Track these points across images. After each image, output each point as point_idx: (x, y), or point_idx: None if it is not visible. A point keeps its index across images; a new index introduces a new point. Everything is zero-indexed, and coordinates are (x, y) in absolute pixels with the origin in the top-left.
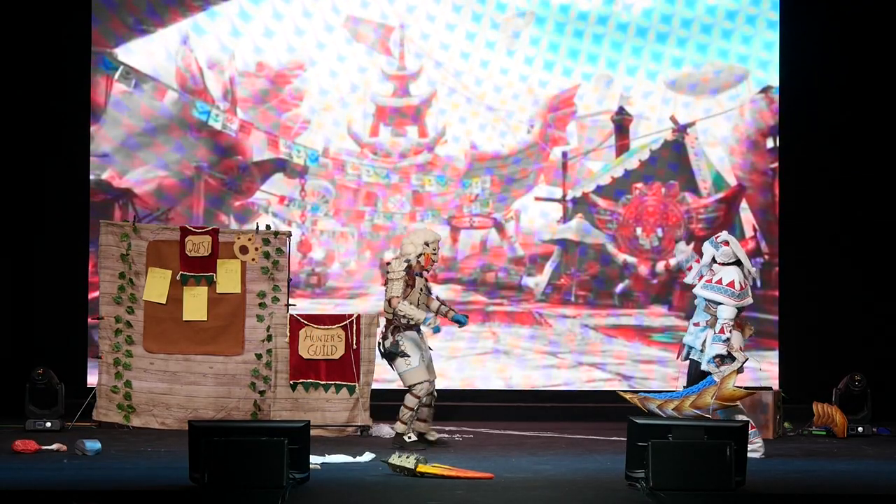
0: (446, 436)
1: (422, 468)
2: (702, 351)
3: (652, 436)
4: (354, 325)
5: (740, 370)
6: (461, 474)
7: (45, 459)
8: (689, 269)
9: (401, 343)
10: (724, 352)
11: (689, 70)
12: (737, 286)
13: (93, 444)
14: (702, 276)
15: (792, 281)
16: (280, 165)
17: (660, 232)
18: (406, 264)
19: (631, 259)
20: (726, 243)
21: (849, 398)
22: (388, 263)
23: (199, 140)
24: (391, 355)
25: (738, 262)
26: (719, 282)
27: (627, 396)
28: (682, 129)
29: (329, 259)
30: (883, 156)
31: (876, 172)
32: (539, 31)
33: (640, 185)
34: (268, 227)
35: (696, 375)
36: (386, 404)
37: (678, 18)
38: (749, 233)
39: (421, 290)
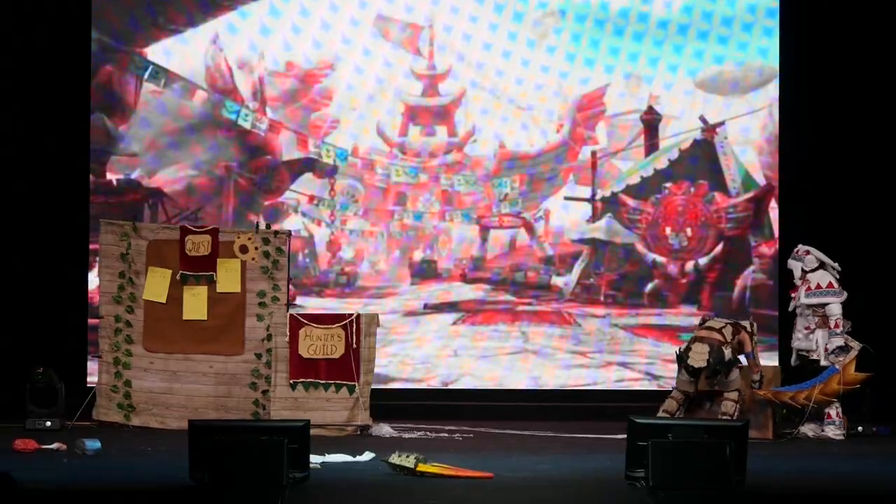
0: (445, 435)
1: (422, 468)
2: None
3: (652, 435)
4: (354, 325)
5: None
6: (461, 474)
7: (45, 459)
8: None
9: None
10: (842, 343)
11: (719, 69)
12: (835, 285)
13: (93, 444)
14: (797, 288)
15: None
16: (309, 165)
17: (689, 231)
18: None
19: (660, 258)
20: (807, 252)
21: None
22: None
23: (229, 140)
24: (730, 364)
25: (822, 265)
26: (818, 286)
27: (762, 393)
28: (711, 129)
29: (358, 258)
30: (884, 153)
31: (877, 170)
32: (569, 29)
33: (668, 184)
34: (267, 226)
35: (812, 371)
36: (385, 404)
37: (707, 17)
38: (777, 232)
39: None
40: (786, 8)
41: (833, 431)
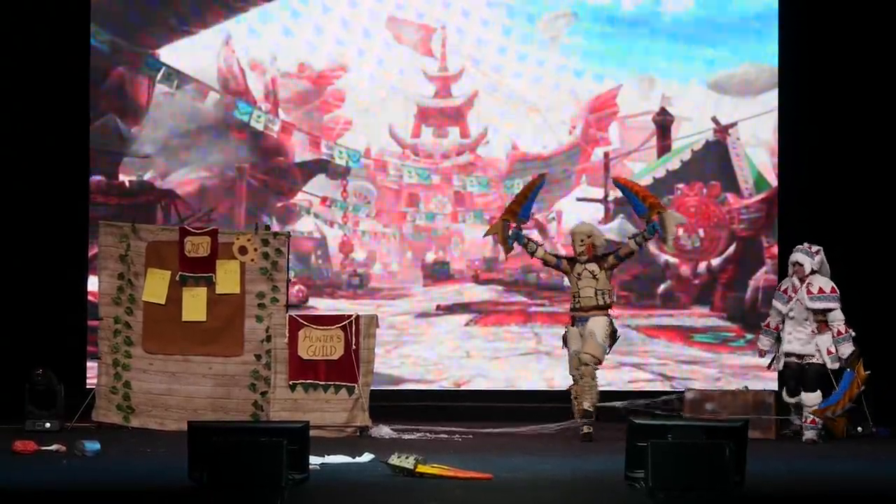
0: (445, 436)
1: (421, 468)
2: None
3: (651, 436)
4: (353, 326)
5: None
6: (460, 474)
7: (44, 460)
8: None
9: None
10: (853, 348)
11: (731, 70)
12: (836, 290)
13: (92, 445)
14: (796, 289)
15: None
16: (322, 166)
17: (701, 232)
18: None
19: (672, 260)
20: (818, 252)
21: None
22: None
23: (241, 141)
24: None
25: (821, 269)
26: (821, 291)
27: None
28: (723, 130)
29: (370, 259)
30: (884, 154)
31: (877, 170)
32: (581, 30)
33: (681, 185)
34: (267, 227)
35: (816, 376)
36: (385, 405)
37: (718, 17)
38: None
39: (580, 275)
40: (784, 10)
41: (810, 433)
